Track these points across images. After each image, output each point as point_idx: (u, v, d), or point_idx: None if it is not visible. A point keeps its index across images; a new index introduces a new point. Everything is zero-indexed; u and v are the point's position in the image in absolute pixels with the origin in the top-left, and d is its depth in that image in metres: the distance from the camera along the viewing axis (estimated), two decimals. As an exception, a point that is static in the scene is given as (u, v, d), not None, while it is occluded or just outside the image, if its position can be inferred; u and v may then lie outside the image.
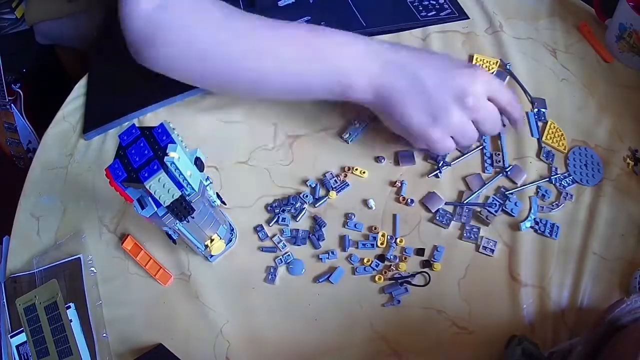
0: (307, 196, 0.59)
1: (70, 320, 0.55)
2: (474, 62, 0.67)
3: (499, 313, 0.52)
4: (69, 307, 0.55)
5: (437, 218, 0.57)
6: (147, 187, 0.40)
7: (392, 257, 0.55)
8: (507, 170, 0.58)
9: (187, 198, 0.44)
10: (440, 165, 0.59)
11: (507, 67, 0.67)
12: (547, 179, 0.58)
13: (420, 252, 0.55)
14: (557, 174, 0.58)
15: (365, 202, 0.59)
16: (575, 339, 0.46)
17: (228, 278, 0.56)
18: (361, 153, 0.62)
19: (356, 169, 0.60)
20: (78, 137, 0.68)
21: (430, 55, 0.55)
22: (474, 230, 0.56)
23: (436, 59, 0.54)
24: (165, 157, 0.40)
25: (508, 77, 0.66)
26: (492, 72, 0.66)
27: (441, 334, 0.52)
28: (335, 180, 0.60)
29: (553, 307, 0.52)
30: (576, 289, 0.52)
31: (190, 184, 0.43)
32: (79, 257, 0.58)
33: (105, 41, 0.77)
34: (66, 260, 0.58)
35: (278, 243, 0.57)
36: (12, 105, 1.20)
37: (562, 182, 0.58)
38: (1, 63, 1.11)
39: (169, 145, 0.41)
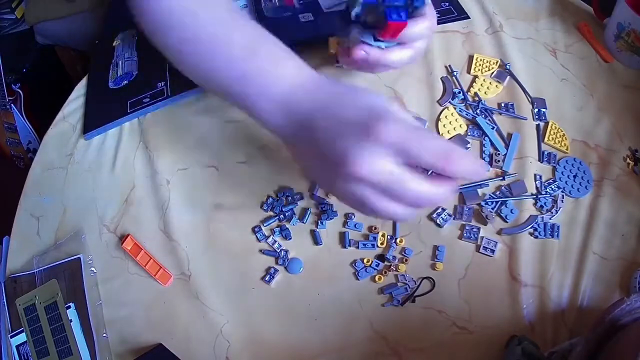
0: (301, 198, 0.59)
1: (70, 320, 0.55)
2: (474, 62, 0.67)
3: (499, 313, 0.52)
4: (69, 307, 0.55)
5: (437, 218, 0.57)
6: None
7: (391, 257, 0.55)
8: (510, 183, 0.58)
9: None
10: (429, 172, 0.59)
11: (507, 67, 0.67)
12: (533, 196, 0.57)
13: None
14: (541, 181, 0.58)
15: (365, 202, 0.58)
16: (575, 339, 0.46)
17: (228, 278, 0.56)
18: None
19: (356, 169, 0.60)
20: (78, 137, 0.68)
21: (332, 105, 0.42)
22: (474, 230, 0.56)
23: (336, 109, 0.42)
24: None
25: (508, 77, 0.66)
26: (492, 73, 0.66)
27: (441, 334, 0.52)
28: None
29: (553, 307, 0.52)
30: (576, 289, 0.52)
31: None
32: (79, 257, 0.58)
33: (105, 41, 0.77)
34: (66, 260, 0.58)
35: (273, 244, 0.57)
36: (12, 105, 1.20)
37: (548, 189, 0.58)
38: (1, 63, 1.11)
39: None
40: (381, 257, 0.55)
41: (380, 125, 0.38)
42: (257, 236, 0.58)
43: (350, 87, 0.44)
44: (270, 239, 0.57)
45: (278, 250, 0.57)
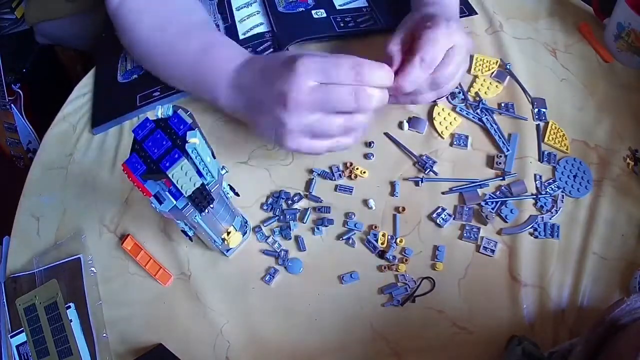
0: (301, 199, 0.59)
1: (70, 320, 0.55)
2: (474, 62, 0.67)
3: (499, 313, 0.52)
4: (69, 307, 0.55)
5: (437, 218, 0.57)
6: (170, 175, 0.39)
7: (392, 257, 0.55)
8: (510, 183, 0.58)
9: (207, 187, 0.43)
10: (426, 172, 0.60)
11: (507, 67, 0.67)
12: (533, 196, 0.57)
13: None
14: (541, 181, 0.58)
15: (365, 202, 0.59)
16: (575, 339, 0.46)
17: (228, 278, 0.56)
18: (362, 152, 0.62)
19: (357, 169, 0.60)
20: (78, 137, 0.68)
21: (263, 67, 0.54)
22: (474, 230, 0.56)
23: (266, 69, 0.53)
24: (187, 144, 0.40)
25: (508, 77, 0.66)
26: (492, 72, 0.66)
27: (441, 334, 0.52)
28: (340, 175, 0.60)
29: (553, 307, 0.52)
30: (576, 289, 0.52)
31: (210, 172, 0.43)
32: (79, 257, 0.58)
33: (112, 35, 0.76)
34: (66, 260, 0.58)
35: (273, 244, 0.57)
36: (12, 105, 1.20)
37: (548, 189, 0.58)
38: (1, 63, 1.11)
39: (189, 132, 0.40)
40: (381, 257, 0.55)
41: (299, 60, 0.49)
42: (257, 236, 0.58)
43: (274, 53, 0.59)
44: (270, 239, 0.57)
45: (278, 250, 0.57)
